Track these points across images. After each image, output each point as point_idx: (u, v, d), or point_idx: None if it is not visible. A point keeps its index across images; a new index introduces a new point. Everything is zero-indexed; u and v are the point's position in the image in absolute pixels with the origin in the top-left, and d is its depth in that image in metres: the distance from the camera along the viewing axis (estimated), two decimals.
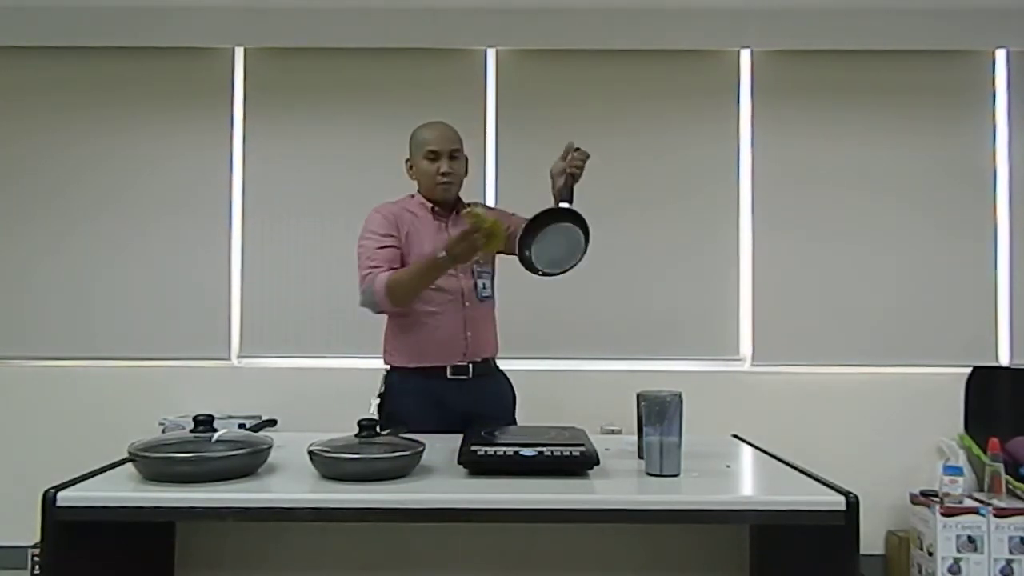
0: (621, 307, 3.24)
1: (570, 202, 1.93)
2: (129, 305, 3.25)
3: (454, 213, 2.12)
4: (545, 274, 1.99)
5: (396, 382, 2.08)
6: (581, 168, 1.91)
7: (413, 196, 2.14)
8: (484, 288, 2.08)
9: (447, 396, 2.04)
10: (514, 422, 2.13)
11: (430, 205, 2.11)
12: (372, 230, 2.04)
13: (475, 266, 2.06)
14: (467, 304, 2.06)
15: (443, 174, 2.05)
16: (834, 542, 1.29)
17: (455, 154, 2.08)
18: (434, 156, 2.05)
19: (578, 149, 1.92)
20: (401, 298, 1.96)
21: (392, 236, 2.03)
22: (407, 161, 2.14)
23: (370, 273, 1.99)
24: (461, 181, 2.13)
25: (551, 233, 1.93)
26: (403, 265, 2.02)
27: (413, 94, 3.27)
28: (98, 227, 3.26)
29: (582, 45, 3.28)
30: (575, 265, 1.98)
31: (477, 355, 2.06)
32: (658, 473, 1.43)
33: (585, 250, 1.95)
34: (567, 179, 1.91)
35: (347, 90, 3.30)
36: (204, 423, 1.48)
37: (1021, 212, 3.26)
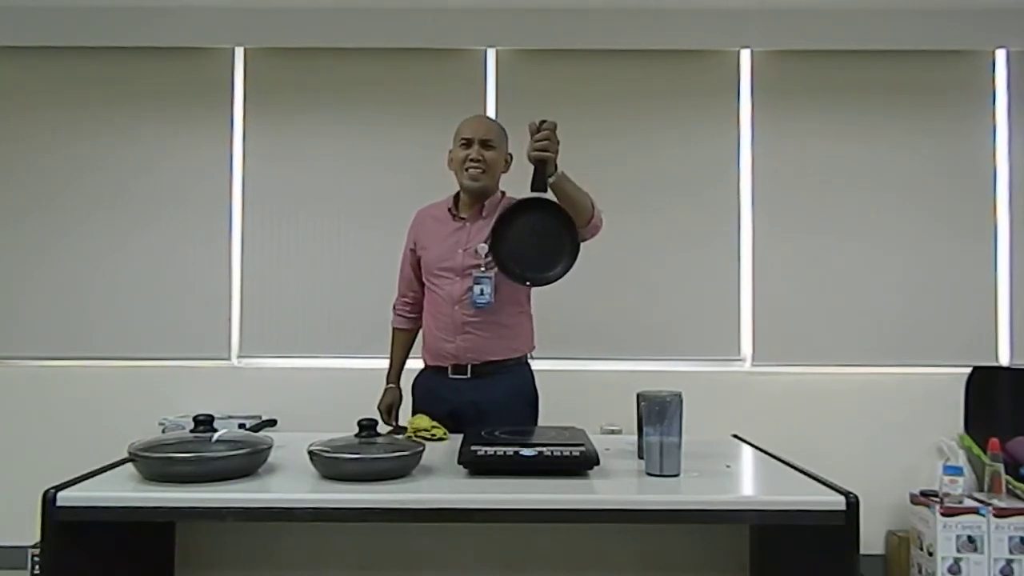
0: (621, 307, 3.25)
1: (543, 190, 1.79)
2: (129, 305, 3.25)
3: (480, 212, 2.10)
4: (531, 281, 1.94)
5: (417, 379, 2.20)
6: (546, 148, 1.76)
7: (455, 195, 2.18)
8: (481, 295, 2.02)
9: (447, 394, 2.07)
10: (520, 421, 2.05)
11: (451, 206, 2.15)
12: (406, 243, 2.25)
13: (474, 271, 2.04)
14: (456, 308, 2.06)
15: (471, 160, 2.05)
16: (834, 542, 1.29)
17: (488, 144, 2.06)
18: (466, 144, 2.07)
19: (543, 123, 1.76)
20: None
21: (412, 251, 2.22)
22: (449, 152, 2.15)
23: (396, 302, 2.30)
24: (496, 173, 2.11)
25: (524, 232, 1.84)
26: (421, 274, 2.18)
27: (413, 94, 3.27)
28: (98, 227, 3.26)
29: (582, 45, 3.28)
30: (564, 268, 1.87)
31: (474, 358, 2.05)
32: (658, 473, 1.43)
33: (572, 245, 1.85)
34: (535, 165, 1.78)
35: (347, 90, 3.29)
36: (204, 423, 1.48)
37: (1021, 212, 3.25)
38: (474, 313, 2.04)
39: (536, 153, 1.76)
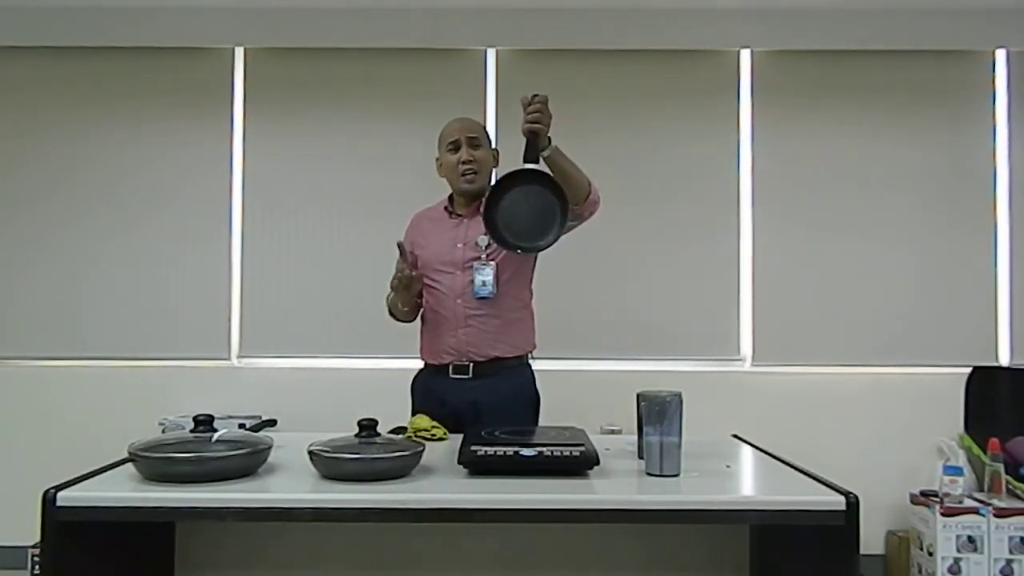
0: (621, 307, 3.25)
1: (535, 161, 1.82)
2: (129, 305, 3.25)
3: (477, 209, 2.08)
4: (521, 249, 1.94)
5: (416, 379, 2.18)
6: (538, 120, 1.77)
7: (450, 196, 2.18)
8: (483, 285, 2.03)
9: (448, 395, 2.06)
10: (521, 422, 2.02)
11: (448, 205, 2.16)
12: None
13: (475, 263, 2.05)
14: (459, 301, 2.06)
15: (464, 163, 2.06)
16: (834, 542, 1.29)
17: (474, 142, 2.08)
18: (454, 147, 2.08)
19: (535, 96, 1.78)
20: (393, 315, 2.17)
21: (410, 254, 2.16)
22: (437, 160, 2.16)
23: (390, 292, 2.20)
24: (488, 171, 2.13)
25: (516, 202, 1.86)
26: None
27: (413, 94, 3.27)
28: (98, 227, 3.26)
29: (582, 45, 3.28)
30: (554, 235, 1.88)
31: (477, 354, 2.05)
32: (658, 473, 1.43)
33: (562, 214, 1.86)
34: (528, 137, 1.79)
35: (347, 90, 3.30)
36: (204, 423, 1.48)
37: (1021, 212, 3.26)
38: (477, 306, 2.04)
39: (528, 125, 1.79)
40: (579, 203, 1.93)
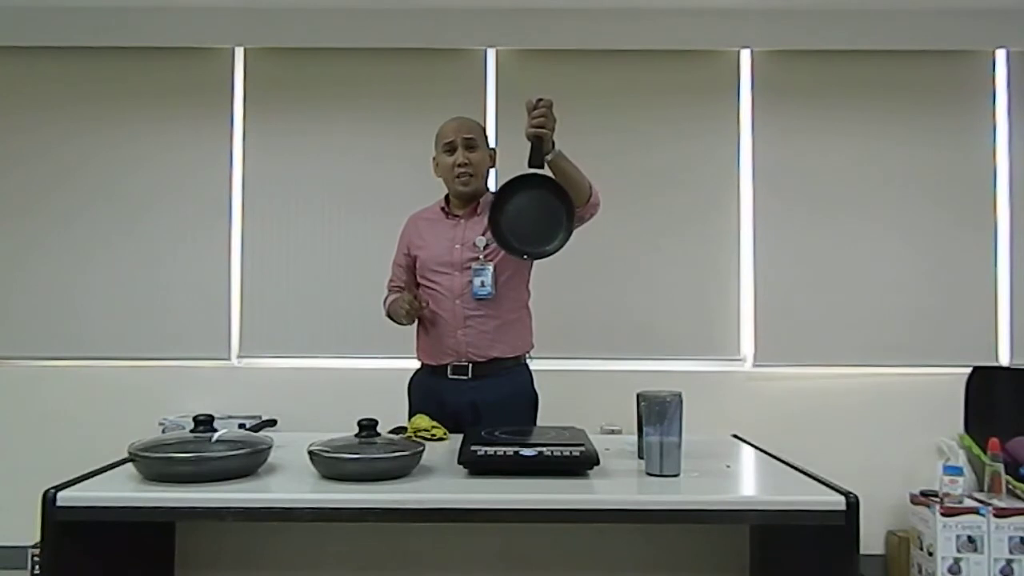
0: (621, 307, 3.25)
1: (540, 166, 1.82)
2: (129, 305, 3.25)
3: (475, 210, 2.10)
4: (528, 255, 1.95)
5: (413, 379, 2.18)
6: (543, 125, 1.77)
7: (446, 196, 2.19)
8: (482, 286, 2.03)
9: (447, 396, 2.06)
10: (520, 423, 2.01)
11: (444, 206, 2.16)
12: (398, 248, 2.25)
13: (473, 264, 2.05)
14: (458, 302, 2.06)
15: (459, 165, 2.05)
16: (834, 542, 1.29)
17: (470, 143, 2.07)
18: (450, 148, 2.08)
19: (540, 100, 1.77)
20: (391, 318, 2.18)
21: (406, 255, 2.20)
22: (433, 159, 2.15)
23: (389, 285, 2.26)
24: (483, 173, 2.12)
25: (521, 207, 1.87)
26: (414, 273, 2.17)
27: (413, 94, 3.27)
28: (98, 227, 3.26)
29: (582, 45, 3.28)
30: (560, 241, 1.89)
31: (476, 355, 2.05)
32: (658, 473, 1.43)
33: (568, 220, 1.87)
34: (532, 141, 1.79)
35: (347, 90, 3.30)
36: (204, 423, 1.48)
37: (1021, 212, 3.26)
38: (476, 306, 2.04)
39: (533, 130, 1.78)
40: (580, 206, 1.94)
